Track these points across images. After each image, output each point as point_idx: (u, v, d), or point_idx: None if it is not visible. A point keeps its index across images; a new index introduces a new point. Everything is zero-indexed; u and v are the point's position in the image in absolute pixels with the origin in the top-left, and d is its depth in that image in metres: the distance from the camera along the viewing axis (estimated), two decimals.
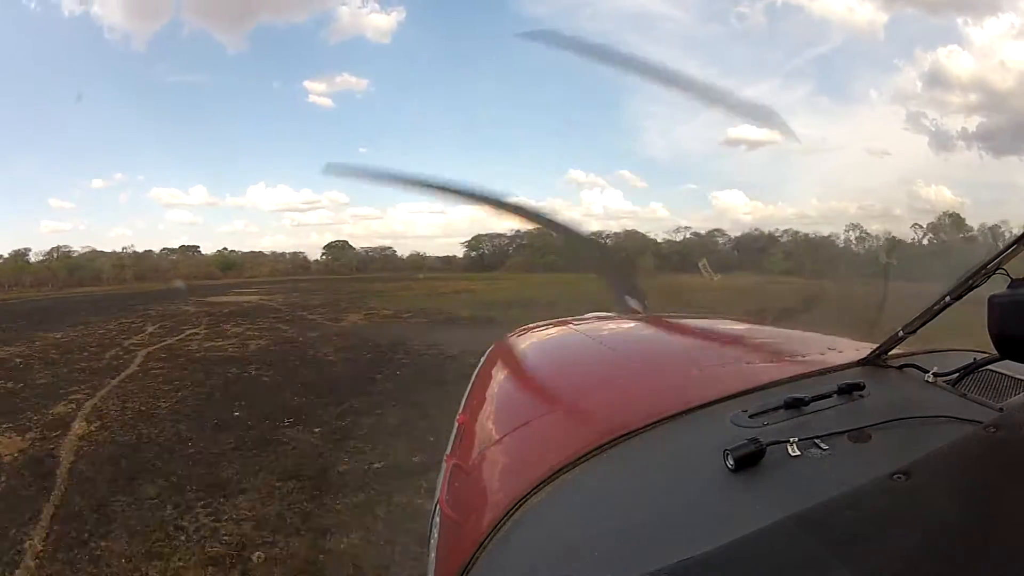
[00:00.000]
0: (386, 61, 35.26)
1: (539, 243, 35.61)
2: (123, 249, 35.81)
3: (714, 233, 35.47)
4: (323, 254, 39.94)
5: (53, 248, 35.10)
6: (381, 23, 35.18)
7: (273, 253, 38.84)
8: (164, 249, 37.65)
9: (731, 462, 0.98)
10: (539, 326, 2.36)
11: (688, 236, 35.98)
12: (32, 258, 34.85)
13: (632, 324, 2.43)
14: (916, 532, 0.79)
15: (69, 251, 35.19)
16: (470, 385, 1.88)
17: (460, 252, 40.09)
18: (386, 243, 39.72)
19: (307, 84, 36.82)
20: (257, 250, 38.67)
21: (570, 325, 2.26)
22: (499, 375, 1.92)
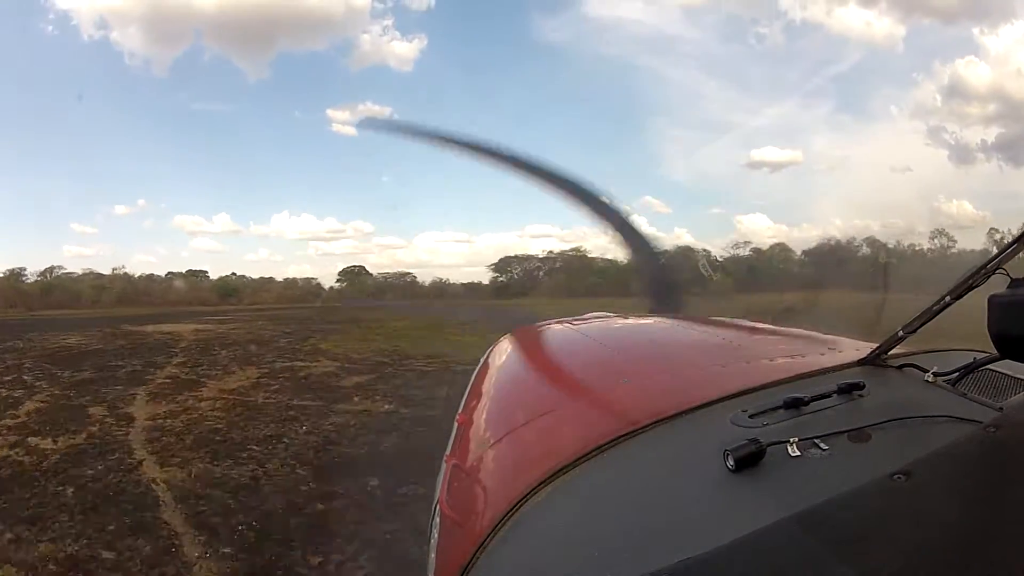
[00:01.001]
0: (408, 89, 35.52)
1: (577, 264, 32.24)
2: (112, 271, 34.06)
3: (776, 248, 32.64)
4: (338, 280, 37.31)
5: (47, 268, 33.78)
6: (403, 51, 35.34)
7: (287, 279, 36.95)
8: (168, 273, 35.88)
9: (731, 462, 0.97)
10: (539, 326, 2.37)
11: (748, 252, 32.49)
12: (29, 278, 33.57)
13: (632, 324, 2.45)
14: (916, 532, 0.79)
15: (66, 272, 33.89)
16: (470, 385, 1.87)
17: (487, 278, 36.38)
18: (408, 270, 36.74)
19: (330, 112, 36.98)
20: (269, 276, 36.98)
21: (569, 325, 2.26)
22: (498, 375, 1.91)
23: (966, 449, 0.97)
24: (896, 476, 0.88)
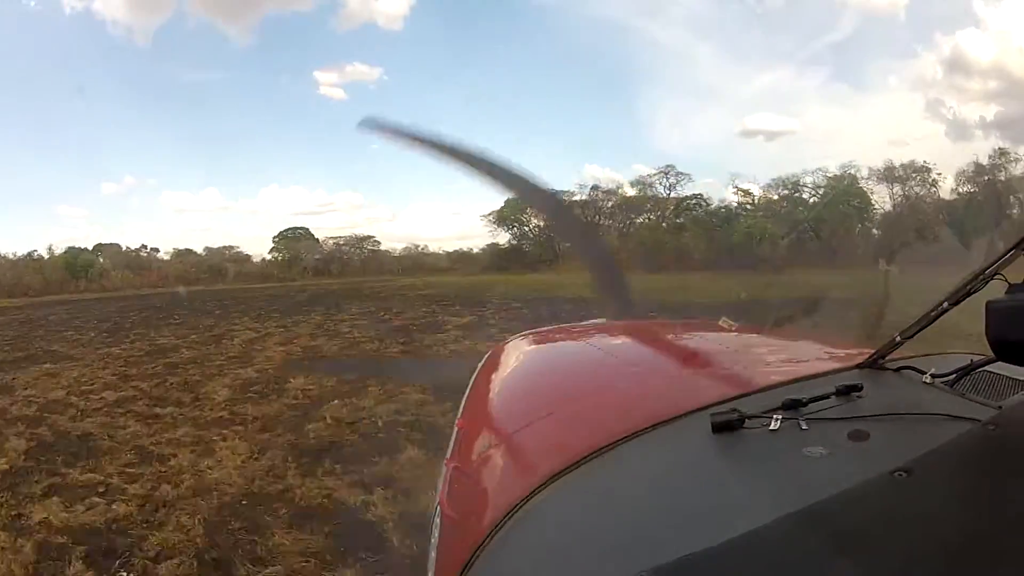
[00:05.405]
0: (398, 49, 34.00)
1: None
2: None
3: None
4: (272, 248, 26.11)
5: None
6: (391, 8, 33.37)
7: (207, 249, 28.09)
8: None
9: (710, 426, 1.06)
10: (536, 332, 2.37)
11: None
12: None
13: (630, 329, 2.46)
14: (918, 528, 0.79)
15: None
16: (468, 390, 1.87)
17: (481, 242, 25.39)
18: (368, 234, 26.70)
19: (317, 75, 35.59)
20: (186, 247, 28.64)
21: (568, 331, 2.27)
22: (498, 380, 1.91)
23: (967, 446, 0.97)
24: (897, 473, 0.88)
